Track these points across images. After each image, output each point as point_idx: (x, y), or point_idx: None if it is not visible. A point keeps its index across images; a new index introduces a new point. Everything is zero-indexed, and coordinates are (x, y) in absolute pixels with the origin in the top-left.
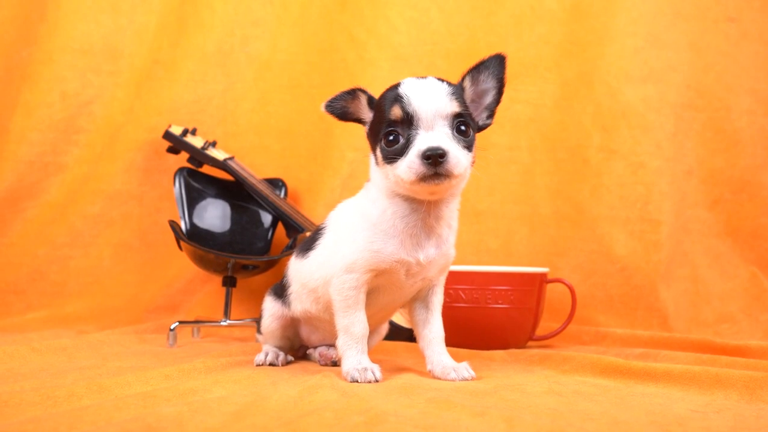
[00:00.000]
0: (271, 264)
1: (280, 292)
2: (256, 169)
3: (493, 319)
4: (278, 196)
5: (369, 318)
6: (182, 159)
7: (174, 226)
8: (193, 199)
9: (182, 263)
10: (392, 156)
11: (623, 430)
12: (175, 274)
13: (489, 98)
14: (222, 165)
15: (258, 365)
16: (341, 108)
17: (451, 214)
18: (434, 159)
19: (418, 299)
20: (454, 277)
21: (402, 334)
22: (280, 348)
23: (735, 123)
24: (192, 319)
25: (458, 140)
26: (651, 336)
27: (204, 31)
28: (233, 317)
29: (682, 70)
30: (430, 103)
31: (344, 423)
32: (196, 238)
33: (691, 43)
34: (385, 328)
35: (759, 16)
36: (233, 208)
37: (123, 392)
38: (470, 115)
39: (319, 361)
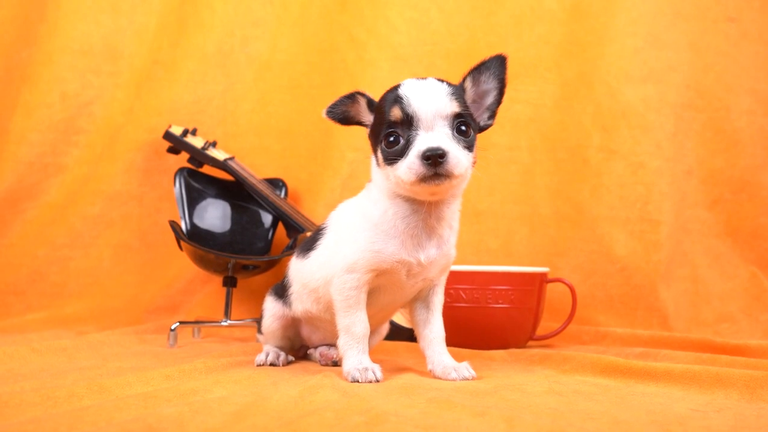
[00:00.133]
0: (271, 264)
1: (281, 292)
2: (256, 170)
3: (493, 318)
4: (278, 196)
5: (370, 318)
6: (182, 159)
7: (174, 226)
8: (193, 200)
9: (182, 263)
10: (392, 157)
11: (624, 430)
12: (176, 275)
13: (490, 99)
14: (222, 165)
15: (259, 365)
16: (342, 113)
17: (453, 214)
18: (434, 159)
19: (418, 299)
20: (454, 277)
21: (402, 334)
22: (281, 348)
23: (735, 123)
24: (192, 320)
25: (458, 140)
26: (651, 336)
27: (204, 31)
28: (234, 317)
29: (682, 70)
30: (430, 103)
31: (345, 423)
32: (196, 238)
33: (691, 43)
34: (385, 328)
35: (759, 16)
36: (233, 208)
37: (123, 393)
38: (471, 115)
39: (319, 361)
